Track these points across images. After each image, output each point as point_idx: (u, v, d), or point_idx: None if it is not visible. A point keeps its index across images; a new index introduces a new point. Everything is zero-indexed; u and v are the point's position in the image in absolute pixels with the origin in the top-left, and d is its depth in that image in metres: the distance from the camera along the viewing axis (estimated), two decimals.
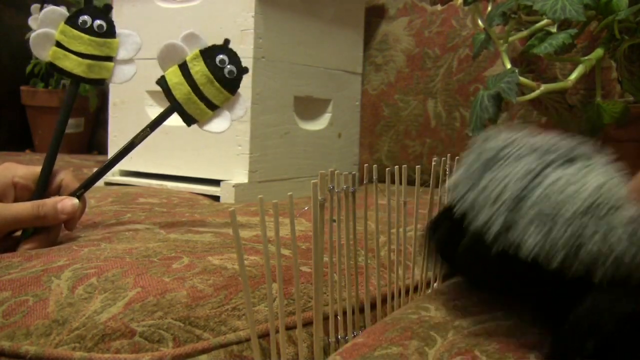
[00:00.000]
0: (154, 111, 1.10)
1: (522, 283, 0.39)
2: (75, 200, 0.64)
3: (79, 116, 1.86)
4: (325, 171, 0.44)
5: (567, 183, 0.36)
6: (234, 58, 0.68)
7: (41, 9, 1.77)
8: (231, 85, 0.68)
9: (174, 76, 0.67)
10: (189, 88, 0.67)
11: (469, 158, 0.42)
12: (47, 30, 0.65)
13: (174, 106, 0.68)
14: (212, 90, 0.67)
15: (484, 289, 0.44)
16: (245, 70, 0.69)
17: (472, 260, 0.41)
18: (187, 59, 0.67)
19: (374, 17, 1.29)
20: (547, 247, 0.34)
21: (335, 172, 0.46)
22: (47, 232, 0.64)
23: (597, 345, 0.33)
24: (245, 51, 0.97)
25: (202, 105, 0.67)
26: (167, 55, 0.68)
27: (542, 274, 0.36)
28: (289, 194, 0.41)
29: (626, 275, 0.33)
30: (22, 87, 1.89)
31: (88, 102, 1.78)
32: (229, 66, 0.68)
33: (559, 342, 0.37)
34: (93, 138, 1.97)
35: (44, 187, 0.65)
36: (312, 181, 0.42)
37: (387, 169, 0.52)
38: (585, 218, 0.34)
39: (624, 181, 0.36)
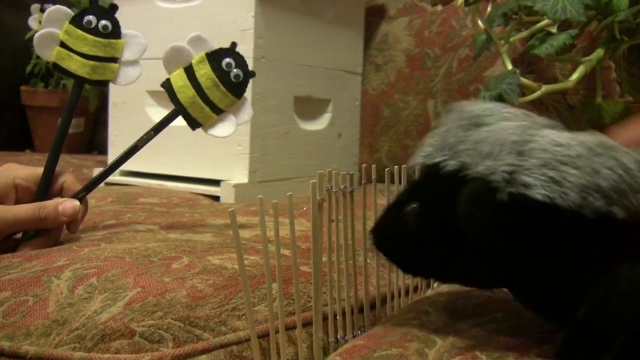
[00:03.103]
0: (155, 111, 1.10)
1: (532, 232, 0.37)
2: (77, 203, 0.64)
3: (79, 116, 1.86)
4: (324, 171, 0.44)
5: (559, 136, 0.37)
6: (240, 61, 0.68)
7: (41, 9, 1.78)
8: (237, 89, 0.67)
9: (179, 79, 0.66)
10: (194, 91, 0.66)
11: (448, 120, 0.41)
12: (51, 30, 0.64)
13: (179, 109, 0.67)
14: (217, 94, 0.66)
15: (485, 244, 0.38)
16: (252, 74, 0.68)
17: (476, 207, 0.37)
18: (193, 62, 0.67)
19: (374, 17, 1.29)
20: (560, 188, 0.34)
21: (333, 172, 0.46)
22: (48, 235, 0.64)
23: (621, 345, 0.32)
24: (245, 51, 0.96)
25: (207, 109, 0.67)
26: (173, 57, 0.67)
27: (554, 219, 0.35)
28: (289, 194, 0.41)
29: None
30: (22, 87, 1.89)
31: (88, 102, 1.78)
32: (235, 70, 0.67)
33: (571, 340, 0.35)
34: (93, 138, 1.97)
35: (45, 189, 0.65)
36: (311, 181, 0.42)
37: (386, 169, 0.52)
38: (595, 158, 0.34)
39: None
